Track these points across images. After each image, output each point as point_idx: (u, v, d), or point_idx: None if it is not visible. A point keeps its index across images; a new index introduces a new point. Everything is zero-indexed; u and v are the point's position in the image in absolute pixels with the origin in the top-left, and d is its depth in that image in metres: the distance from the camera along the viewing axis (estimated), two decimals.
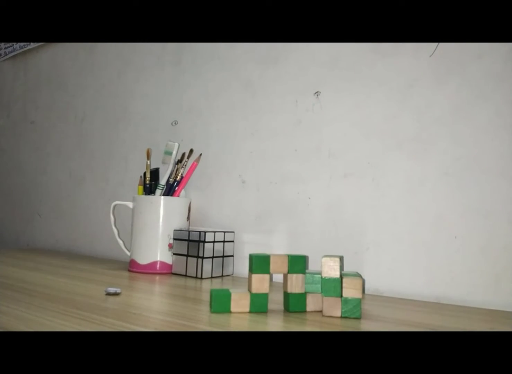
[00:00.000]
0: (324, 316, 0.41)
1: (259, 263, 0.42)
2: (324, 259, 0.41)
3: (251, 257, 0.43)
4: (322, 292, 0.42)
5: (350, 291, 0.40)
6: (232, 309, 0.42)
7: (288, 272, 0.43)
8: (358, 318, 0.41)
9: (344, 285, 0.41)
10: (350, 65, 0.62)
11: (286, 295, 0.44)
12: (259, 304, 0.42)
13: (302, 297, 0.43)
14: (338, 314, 0.41)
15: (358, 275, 0.42)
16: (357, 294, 0.40)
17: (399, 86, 0.58)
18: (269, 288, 0.43)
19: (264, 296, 0.42)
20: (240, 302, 0.42)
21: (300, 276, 0.43)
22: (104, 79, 0.97)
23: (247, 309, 0.42)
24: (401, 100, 0.57)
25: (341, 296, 0.41)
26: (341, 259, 0.43)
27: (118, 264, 0.76)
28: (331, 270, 0.41)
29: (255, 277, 0.42)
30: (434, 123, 0.55)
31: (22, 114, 1.19)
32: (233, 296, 0.42)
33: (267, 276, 0.42)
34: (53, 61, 1.10)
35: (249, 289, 0.43)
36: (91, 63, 1.00)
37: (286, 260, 0.43)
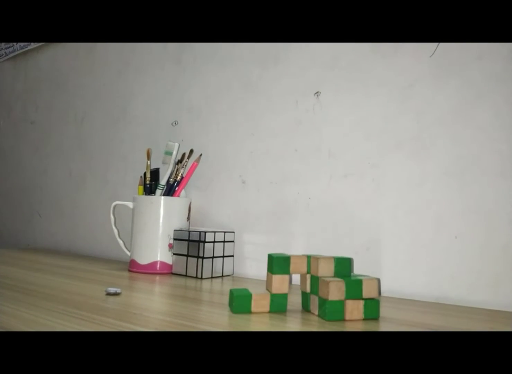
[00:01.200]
0: (311, 314, 0.42)
1: (280, 263, 0.42)
2: (312, 259, 0.43)
3: (272, 257, 0.43)
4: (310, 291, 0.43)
5: (332, 293, 0.40)
6: (253, 309, 0.42)
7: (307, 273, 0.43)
8: (340, 319, 0.40)
9: (329, 286, 0.40)
10: (350, 65, 0.62)
11: (304, 294, 0.45)
12: (278, 304, 0.43)
13: None
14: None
15: (357, 277, 0.42)
16: (340, 297, 0.40)
17: (399, 86, 0.58)
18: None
19: (284, 296, 0.43)
20: (260, 302, 0.42)
21: None
22: (104, 79, 0.97)
23: (267, 309, 0.43)
24: (401, 100, 0.57)
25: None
26: (345, 259, 0.43)
27: (118, 264, 0.76)
28: (319, 270, 0.41)
29: (276, 277, 0.42)
30: (434, 123, 0.55)
31: (22, 114, 1.19)
32: (254, 297, 0.42)
33: (287, 277, 0.43)
34: (53, 61, 1.10)
35: (269, 289, 0.43)
36: (91, 63, 1.00)
37: (305, 260, 0.43)
